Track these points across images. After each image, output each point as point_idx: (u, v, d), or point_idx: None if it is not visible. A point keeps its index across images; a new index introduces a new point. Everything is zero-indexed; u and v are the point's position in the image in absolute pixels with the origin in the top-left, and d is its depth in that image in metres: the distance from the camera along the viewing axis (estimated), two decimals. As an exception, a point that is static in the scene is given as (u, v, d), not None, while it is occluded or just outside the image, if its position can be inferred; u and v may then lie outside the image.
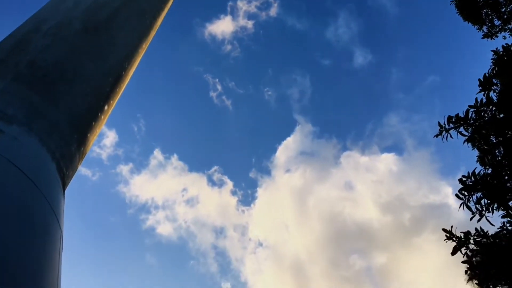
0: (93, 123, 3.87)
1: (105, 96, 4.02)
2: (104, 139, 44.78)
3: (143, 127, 50.02)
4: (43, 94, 3.38)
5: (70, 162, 3.47)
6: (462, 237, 6.77)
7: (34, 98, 3.29)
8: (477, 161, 7.84)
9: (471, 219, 7.04)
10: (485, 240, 6.73)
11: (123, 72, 4.41)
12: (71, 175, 3.62)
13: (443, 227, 6.94)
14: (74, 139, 3.52)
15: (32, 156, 3.04)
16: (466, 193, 7.10)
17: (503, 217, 6.90)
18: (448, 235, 6.86)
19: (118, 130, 47.74)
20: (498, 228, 6.77)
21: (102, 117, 4.07)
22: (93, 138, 4.06)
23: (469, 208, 7.09)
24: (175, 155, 52.48)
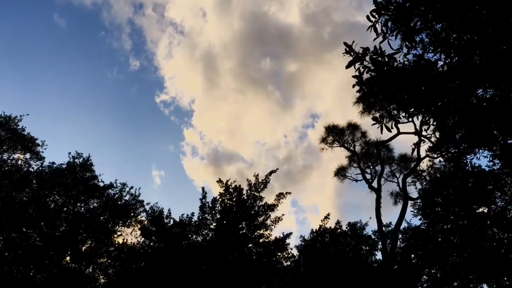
0: None
1: None
2: None
3: None
4: None
5: None
6: (360, 52, 6.94)
7: None
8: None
9: (374, 39, 7.17)
10: (380, 58, 6.96)
11: None
12: None
13: (345, 41, 7.04)
14: None
15: None
16: (376, 15, 7.11)
17: (402, 40, 7.10)
18: (347, 49, 6.99)
19: None
20: (394, 50, 6.99)
21: None
22: None
23: (375, 30, 7.16)
24: None
